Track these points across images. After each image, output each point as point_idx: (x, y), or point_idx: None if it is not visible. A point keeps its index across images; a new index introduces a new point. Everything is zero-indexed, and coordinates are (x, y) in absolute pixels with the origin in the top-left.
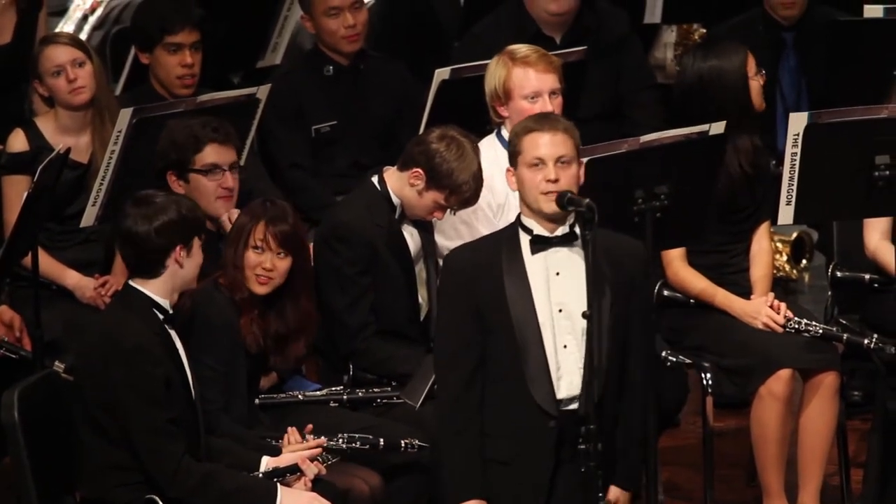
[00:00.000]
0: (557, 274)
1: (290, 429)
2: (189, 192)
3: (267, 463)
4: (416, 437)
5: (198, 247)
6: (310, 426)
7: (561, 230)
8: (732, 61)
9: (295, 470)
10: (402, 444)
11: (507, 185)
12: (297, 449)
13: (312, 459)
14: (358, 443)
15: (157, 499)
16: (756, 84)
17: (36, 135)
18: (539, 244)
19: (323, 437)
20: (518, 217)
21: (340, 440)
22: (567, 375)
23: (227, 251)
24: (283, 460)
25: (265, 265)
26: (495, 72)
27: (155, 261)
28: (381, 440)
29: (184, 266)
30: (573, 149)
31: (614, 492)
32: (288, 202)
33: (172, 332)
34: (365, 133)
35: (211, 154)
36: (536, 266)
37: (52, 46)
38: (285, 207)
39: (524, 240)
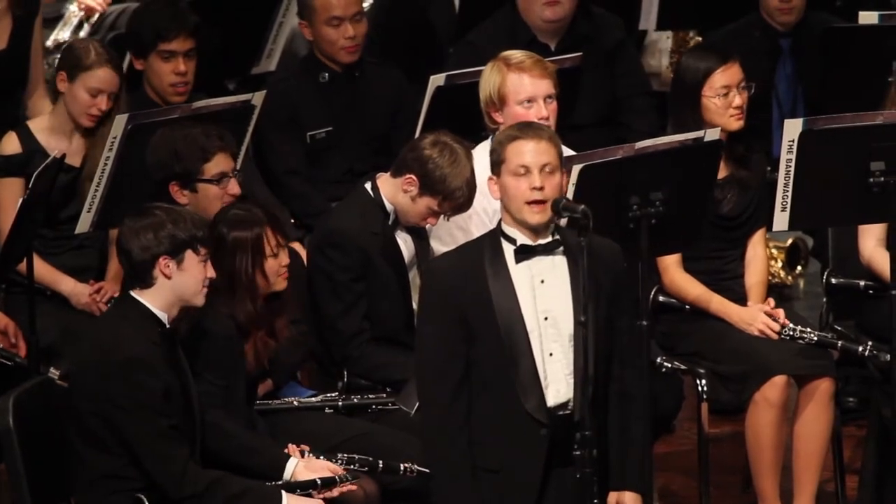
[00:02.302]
0: (542, 282)
1: (290, 446)
2: (195, 202)
3: (295, 467)
4: (414, 460)
5: (194, 261)
6: (306, 446)
7: (543, 239)
8: (696, 66)
9: (310, 486)
10: (402, 468)
11: (490, 193)
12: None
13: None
14: (357, 464)
15: (143, 498)
16: (715, 104)
17: (28, 137)
18: (523, 253)
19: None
20: (499, 225)
21: (339, 461)
22: (554, 384)
23: (239, 276)
24: (314, 468)
25: (283, 263)
26: (490, 78)
27: (142, 270)
28: (380, 462)
29: (172, 277)
30: (557, 157)
31: (619, 497)
32: (285, 208)
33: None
34: (360, 139)
35: (220, 163)
36: (521, 274)
37: (107, 70)
38: (259, 206)
39: (507, 249)
